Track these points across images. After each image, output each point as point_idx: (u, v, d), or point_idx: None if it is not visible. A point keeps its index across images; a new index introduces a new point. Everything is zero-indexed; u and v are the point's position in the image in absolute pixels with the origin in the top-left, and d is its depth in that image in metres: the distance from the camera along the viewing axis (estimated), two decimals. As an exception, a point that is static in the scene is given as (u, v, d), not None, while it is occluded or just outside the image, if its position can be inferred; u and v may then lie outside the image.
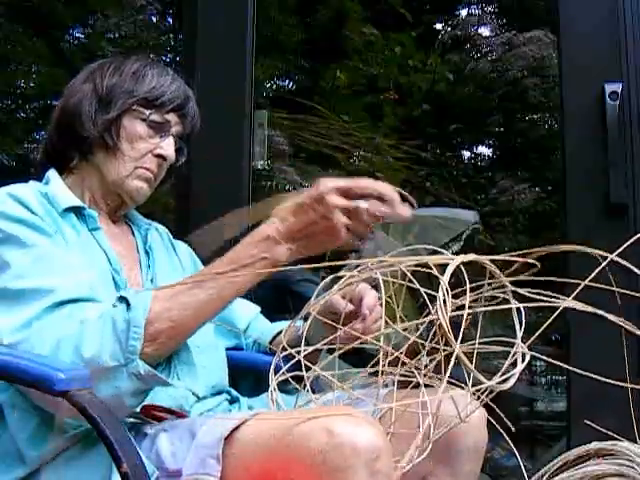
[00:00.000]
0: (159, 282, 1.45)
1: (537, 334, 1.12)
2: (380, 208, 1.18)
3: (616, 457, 1.65)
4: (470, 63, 4.19)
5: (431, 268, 1.08)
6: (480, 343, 1.15)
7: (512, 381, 1.07)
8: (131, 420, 1.25)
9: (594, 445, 1.70)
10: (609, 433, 1.68)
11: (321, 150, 3.78)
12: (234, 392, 1.46)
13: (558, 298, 1.11)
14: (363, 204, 1.17)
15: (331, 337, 1.21)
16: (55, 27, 3.75)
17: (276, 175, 3.64)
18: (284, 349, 1.15)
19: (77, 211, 1.38)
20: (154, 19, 4.07)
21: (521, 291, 1.12)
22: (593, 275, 1.06)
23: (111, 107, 1.40)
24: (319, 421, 1.05)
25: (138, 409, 1.25)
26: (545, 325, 1.11)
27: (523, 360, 1.08)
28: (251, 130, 2.29)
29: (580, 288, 1.08)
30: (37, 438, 1.18)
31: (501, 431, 1.18)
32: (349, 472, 1.02)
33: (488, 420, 1.32)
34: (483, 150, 4.39)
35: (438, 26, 4.47)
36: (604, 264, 1.09)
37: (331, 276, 1.17)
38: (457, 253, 1.13)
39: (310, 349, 1.16)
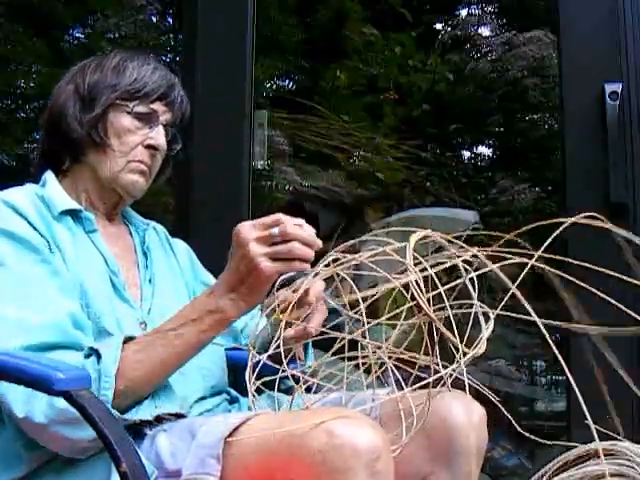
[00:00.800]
0: (157, 282, 1.45)
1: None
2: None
3: (616, 457, 1.65)
4: (470, 63, 4.18)
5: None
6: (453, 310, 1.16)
7: (484, 346, 1.10)
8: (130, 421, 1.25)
9: (594, 445, 1.70)
10: (609, 433, 1.68)
11: (321, 150, 3.78)
12: (234, 392, 1.46)
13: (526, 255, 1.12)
14: (275, 229, 1.19)
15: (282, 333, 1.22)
16: (55, 27, 3.74)
17: (276, 175, 3.64)
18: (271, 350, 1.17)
19: (74, 214, 1.38)
20: (154, 19, 4.07)
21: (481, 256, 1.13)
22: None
23: (95, 104, 1.40)
24: (319, 422, 1.05)
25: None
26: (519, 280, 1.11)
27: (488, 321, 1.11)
28: (251, 130, 2.29)
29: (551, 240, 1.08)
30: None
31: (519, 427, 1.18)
32: (349, 473, 1.02)
33: (488, 420, 1.32)
34: (483, 150, 4.39)
35: (438, 26, 4.47)
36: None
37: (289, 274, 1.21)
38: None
39: (267, 351, 1.18)
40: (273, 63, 3.89)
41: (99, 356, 1.17)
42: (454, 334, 1.10)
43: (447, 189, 3.93)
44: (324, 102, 3.90)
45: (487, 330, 1.12)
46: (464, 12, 4.40)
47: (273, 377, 1.23)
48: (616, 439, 1.63)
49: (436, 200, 3.86)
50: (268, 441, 1.07)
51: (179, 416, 1.28)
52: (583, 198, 2.07)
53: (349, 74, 4.05)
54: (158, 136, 1.43)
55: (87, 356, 1.19)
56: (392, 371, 1.24)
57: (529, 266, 1.12)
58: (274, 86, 4.28)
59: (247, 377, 1.23)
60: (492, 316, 1.14)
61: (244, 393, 1.47)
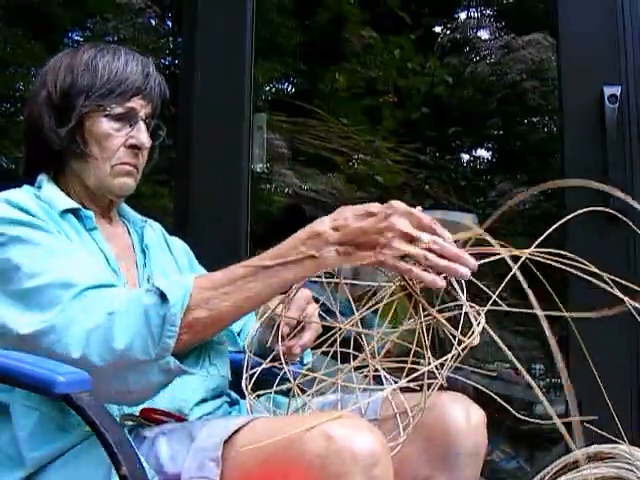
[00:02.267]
0: (155, 281, 1.43)
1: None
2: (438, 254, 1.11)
3: (615, 460, 1.65)
4: (469, 66, 4.19)
5: None
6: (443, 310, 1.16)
7: (477, 338, 1.10)
8: (130, 423, 1.25)
9: (593, 448, 1.70)
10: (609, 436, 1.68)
11: (320, 153, 3.78)
12: (234, 394, 1.46)
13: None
14: (426, 237, 1.10)
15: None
16: (54, 30, 3.75)
17: (275, 178, 3.64)
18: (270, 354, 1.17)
19: (74, 212, 1.37)
20: (153, 22, 4.06)
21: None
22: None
23: (70, 114, 1.36)
24: (318, 426, 1.05)
25: (137, 412, 1.26)
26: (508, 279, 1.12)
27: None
28: (250, 133, 2.29)
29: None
30: (37, 439, 1.18)
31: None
32: (347, 477, 1.02)
33: (487, 423, 1.32)
34: (482, 153, 4.39)
35: (437, 29, 4.47)
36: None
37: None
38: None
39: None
40: (272, 66, 3.90)
41: (164, 296, 1.10)
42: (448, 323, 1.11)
43: (446, 192, 3.93)
44: (323, 105, 3.90)
45: (481, 322, 1.12)
46: (463, 15, 4.41)
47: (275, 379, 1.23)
48: (616, 442, 1.63)
49: (435, 203, 3.86)
50: (267, 445, 1.07)
51: (178, 419, 1.28)
52: (582, 201, 2.06)
53: (348, 77, 4.05)
54: (139, 134, 1.39)
55: (148, 290, 1.14)
56: (385, 377, 1.24)
57: (522, 260, 1.13)
58: (273, 89, 4.29)
59: (243, 383, 1.24)
60: (483, 311, 1.14)
61: (244, 395, 1.47)
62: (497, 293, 1.13)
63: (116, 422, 1.11)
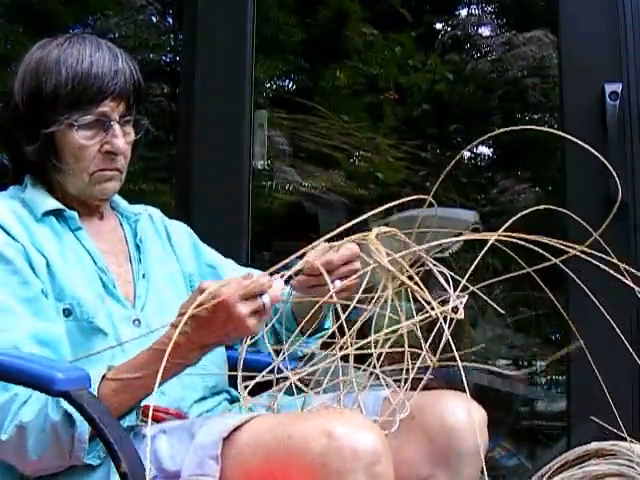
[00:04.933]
0: (151, 277, 1.42)
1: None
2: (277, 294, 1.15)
3: (616, 457, 1.65)
4: (470, 63, 4.18)
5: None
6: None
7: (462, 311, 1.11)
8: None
9: (594, 445, 1.70)
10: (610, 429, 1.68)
11: (321, 150, 3.77)
12: (234, 392, 1.45)
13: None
14: (266, 299, 1.13)
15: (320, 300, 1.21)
16: (55, 27, 3.74)
17: (276, 175, 3.63)
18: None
19: (57, 213, 1.35)
20: (154, 19, 4.06)
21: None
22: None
23: (38, 129, 1.31)
24: (319, 424, 1.05)
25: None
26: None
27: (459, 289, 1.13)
28: (251, 130, 2.29)
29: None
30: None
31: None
32: (348, 476, 1.02)
33: (488, 420, 1.32)
34: (483, 150, 4.38)
35: (438, 26, 4.46)
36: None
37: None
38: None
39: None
40: (273, 63, 3.89)
41: (69, 416, 1.13)
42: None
43: (447, 189, 3.92)
44: (324, 102, 3.90)
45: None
46: (464, 12, 4.40)
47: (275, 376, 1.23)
48: (617, 438, 1.63)
49: (436, 200, 3.86)
50: (268, 443, 1.07)
51: (180, 417, 1.28)
52: (583, 198, 2.06)
53: (349, 74, 4.04)
54: (114, 139, 1.33)
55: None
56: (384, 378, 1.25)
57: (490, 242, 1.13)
58: (274, 86, 4.28)
59: (239, 385, 1.24)
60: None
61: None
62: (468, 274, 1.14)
63: (115, 419, 1.11)
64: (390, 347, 1.21)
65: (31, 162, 1.36)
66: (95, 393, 1.14)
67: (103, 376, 1.17)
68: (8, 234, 1.26)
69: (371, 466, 1.03)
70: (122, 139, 1.34)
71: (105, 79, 1.31)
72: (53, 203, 1.35)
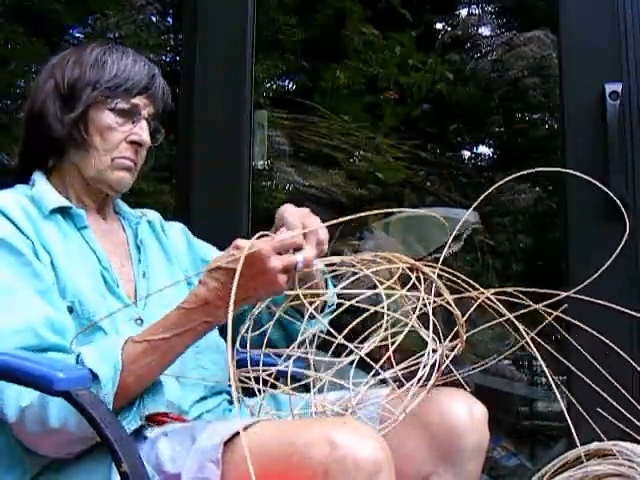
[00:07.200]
0: (152, 276, 1.44)
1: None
2: (311, 256, 1.19)
3: (616, 457, 1.65)
4: (470, 63, 4.18)
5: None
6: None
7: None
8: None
9: (594, 445, 1.70)
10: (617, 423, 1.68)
11: (321, 150, 3.77)
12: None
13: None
14: (299, 257, 1.17)
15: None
16: (55, 27, 3.74)
17: (276, 175, 3.63)
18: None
19: (64, 211, 1.37)
20: (154, 19, 4.06)
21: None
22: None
23: (75, 103, 1.38)
24: (322, 432, 1.04)
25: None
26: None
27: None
28: (251, 130, 2.29)
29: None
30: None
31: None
32: None
33: (488, 420, 1.32)
34: (483, 150, 4.38)
35: (438, 26, 4.46)
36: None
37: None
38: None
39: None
40: (273, 63, 3.89)
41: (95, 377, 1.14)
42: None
43: (447, 189, 3.93)
44: (324, 102, 3.89)
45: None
46: (464, 12, 4.40)
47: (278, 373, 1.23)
48: (618, 438, 1.63)
49: (436, 200, 3.86)
50: (269, 449, 1.07)
51: (181, 420, 1.28)
52: (583, 198, 2.06)
53: (349, 74, 4.04)
54: (141, 131, 1.41)
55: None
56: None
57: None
58: (274, 86, 4.28)
59: (233, 385, 1.23)
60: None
61: (245, 393, 1.47)
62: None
63: (117, 419, 1.11)
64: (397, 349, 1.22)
65: (52, 144, 1.40)
66: (119, 356, 1.16)
67: (128, 339, 1.19)
68: (18, 228, 1.28)
69: (373, 475, 1.03)
70: (147, 134, 1.42)
71: (144, 78, 1.42)
72: (61, 200, 1.38)
